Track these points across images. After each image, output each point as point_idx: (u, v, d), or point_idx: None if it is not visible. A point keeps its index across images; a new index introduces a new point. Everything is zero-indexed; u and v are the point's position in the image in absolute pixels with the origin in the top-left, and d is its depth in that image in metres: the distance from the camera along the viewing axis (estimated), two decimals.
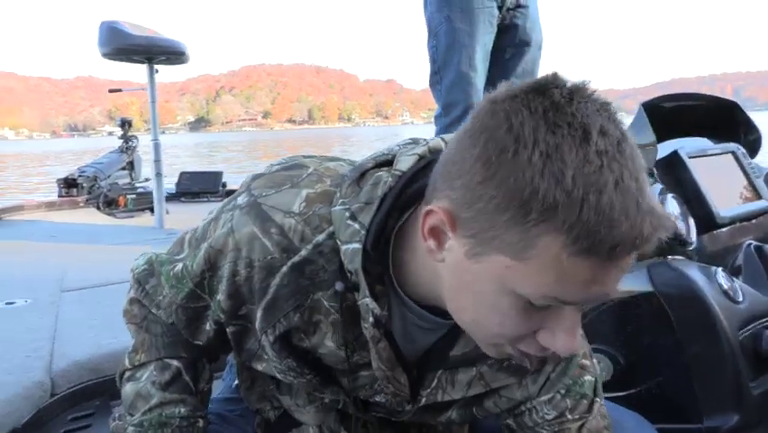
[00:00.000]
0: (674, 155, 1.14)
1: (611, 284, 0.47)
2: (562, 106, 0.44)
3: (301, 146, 35.07)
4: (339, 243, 0.56)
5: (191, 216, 2.73)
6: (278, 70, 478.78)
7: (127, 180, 4.12)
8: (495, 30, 1.91)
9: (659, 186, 1.12)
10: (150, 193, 3.45)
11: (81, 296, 1.81)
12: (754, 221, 1.23)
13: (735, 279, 1.06)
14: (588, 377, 0.68)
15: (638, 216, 0.43)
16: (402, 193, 0.56)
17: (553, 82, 0.46)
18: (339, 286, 0.58)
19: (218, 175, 4.11)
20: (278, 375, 0.67)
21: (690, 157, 1.16)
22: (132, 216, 3.39)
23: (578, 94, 0.46)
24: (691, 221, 1.10)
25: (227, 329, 0.65)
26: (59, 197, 3.75)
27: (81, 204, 3.69)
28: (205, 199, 3.81)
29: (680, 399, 1.00)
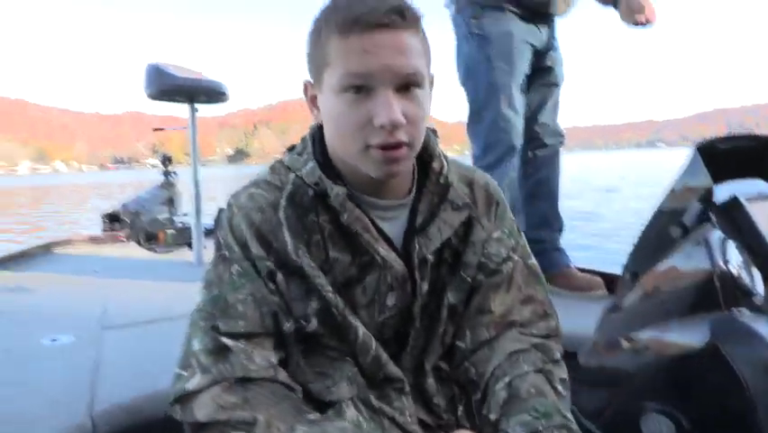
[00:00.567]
0: (733, 201, 1.07)
1: (383, 55, 0.66)
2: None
3: None
4: (297, 173, 0.76)
5: None
6: None
7: (167, 215, 4.21)
8: (529, 72, 1.88)
9: (718, 234, 1.05)
10: (189, 228, 3.51)
11: (122, 334, 1.83)
12: None
13: None
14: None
15: (360, 5, 0.66)
16: (321, 127, 0.78)
17: None
18: (311, 192, 0.75)
19: None
20: (312, 320, 0.75)
21: (749, 201, 1.09)
22: (170, 251, 3.44)
23: None
24: (755, 270, 1.02)
25: (280, 282, 0.74)
26: (102, 231, 3.86)
27: (123, 238, 3.78)
28: None
29: None
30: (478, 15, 1.81)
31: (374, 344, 0.78)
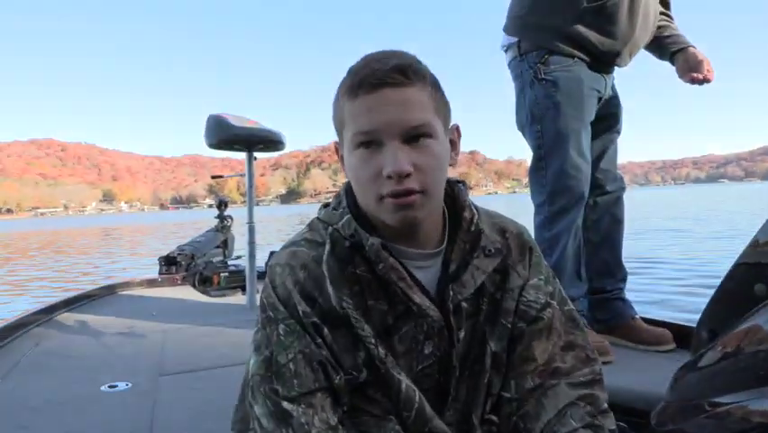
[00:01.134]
0: None
1: (388, 112, 0.72)
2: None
3: None
4: (334, 226, 0.80)
5: None
6: None
7: (221, 258, 4.31)
8: (593, 119, 1.84)
9: None
10: (242, 271, 3.56)
11: (177, 381, 1.84)
12: None
13: None
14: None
15: (367, 68, 0.73)
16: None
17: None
18: (347, 243, 0.78)
19: None
20: (363, 370, 0.77)
21: None
22: (224, 295, 3.50)
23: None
24: None
25: (327, 336, 0.76)
26: (159, 274, 3.98)
27: (179, 281, 3.89)
28: None
29: None
30: (545, 61, 1.78)
31: (418, 397, 0.78)
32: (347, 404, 0.78)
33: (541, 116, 1.80)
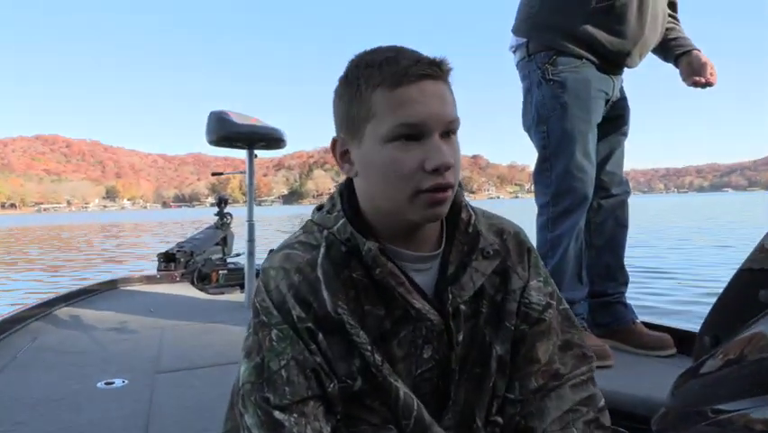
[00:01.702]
0: None
1: (431, 104, 0.70)
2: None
3: None
4: (329, 230, 0.77)
5: None
6: None
7: (220, 256, 4.30)
8: (600, 121, 1.83)
9: None
10: (241, 269, 3.56)
11: (174, 378, 1.83)
12: None
13: None
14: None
15: (404, 59, 0.71)
16: (349, 183, 0.81)
17: None
18: (343, 248, 0.76)
19: None
20: (358, 378, 0.75)
21: None
22: (222, 293, 3.49)
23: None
24: None
25: (321, 342, 0.74)
26: (158, 270, 3.97)
27: (177, 278, 3.88)
28: None
29: None
30: (553, 61, 1.77)
31: (416, 405, 0.76)
32: (341, 413, 0.76)
33: (547, 117, 1.79)
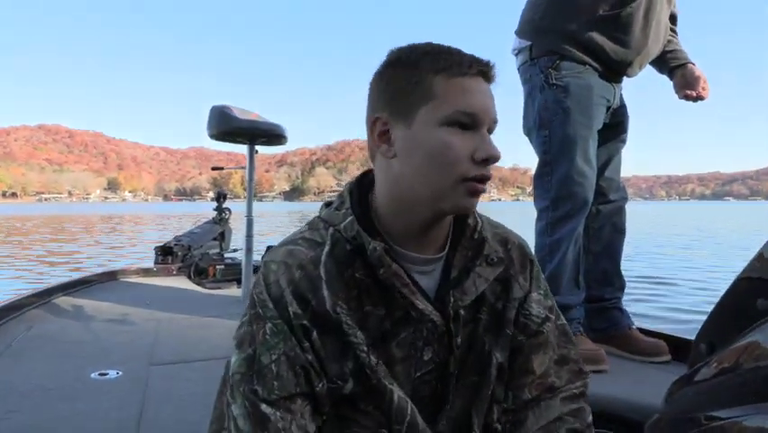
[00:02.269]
0: None
1: (486, 100, 0.73)
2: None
3: None
4: (336, 227, 0.77)
5: None
6: None
7: (217, 250, 4.29)
8: (600, 127, 1.83)
9: None
10: (238, 264, 3.55)
11: (168, 371, 1.83)
12: None
13: None
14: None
15: (464, 54, 0.74)
16: (359, 181, 0.82)
17: None
18: (349, 246, 0.76)
19: None
20: (349, 380, 0.74)
21: None
22: (219, 287, 3.49)
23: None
24: None
25: (315, 340, 0.73)
26: (155, 263, 3.97)
27: (174, 272, 3.87)
28: None
29: None
30: (557, 66, 1.77)
31: (410, 409, 0.76)
32: (330, 414, 0.76)
33: (549, 121, 1.78)
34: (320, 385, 0.74)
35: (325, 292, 0.74)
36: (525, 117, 1.91)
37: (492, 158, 0.73)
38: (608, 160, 1.93)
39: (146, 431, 1.37)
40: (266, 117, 2.97)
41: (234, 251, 4.34)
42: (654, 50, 1.83)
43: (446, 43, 0.76)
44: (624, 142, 1.97)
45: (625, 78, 1.89)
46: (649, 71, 1.95)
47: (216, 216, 4.52)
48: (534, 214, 1.88)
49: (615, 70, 1.81)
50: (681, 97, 1.86)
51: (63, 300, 2.97)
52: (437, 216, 0.76)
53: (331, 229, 0.78)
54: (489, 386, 0.83)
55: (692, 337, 1.18)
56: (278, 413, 0.71)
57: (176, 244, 3.99)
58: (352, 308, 0.75)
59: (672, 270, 8.17)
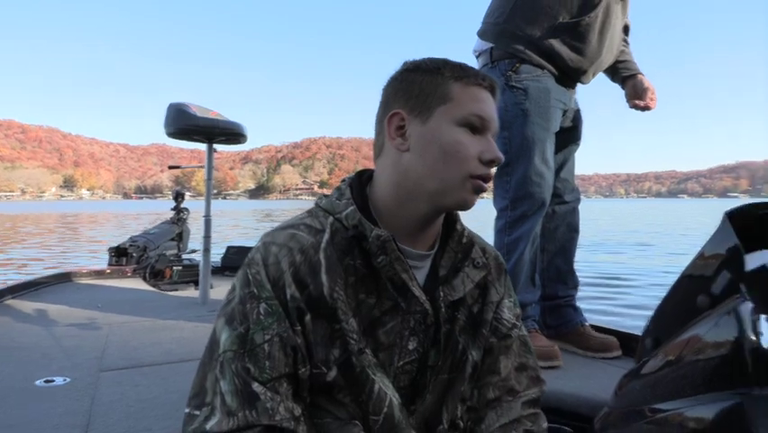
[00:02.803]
0: (765, 270, 0.99)
1: (492, 110, 0.81)
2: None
3: None
4: (336, 216, 0.81)
5: None
6: (337, 143, 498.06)
7: (174, 251, 4.19)
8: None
9: (749, 304, 0.97)
10: (196, 266, 3.48)
11: (119, 377, 1.77)
12: None
13: None
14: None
15: (476, 70, 0.82)
16: (359, 177, 0.87)
17: None
18: (349, 233, 0.79)
19: None
20: (333, 368, 0.76)
21: None
22: (176, 289, 3.40)
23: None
24: None
25: (307, 323, 0.75)
26: (108, 265, 3.84)
27: (129, 273, 3.76)
28: None
29: None
30: (516, 69, 1.80)
31: (389, 401, 0.79)
32: (307, 399, 0.77)
33: (509, 123, 1.81)
34: (303, 369, 0.75)
35: (324, 278, 0.76)
36: None
37: (497, 160, 0.80)
38: (563, 162, 1.97)
39: None
40: (226, 116, 2.92)
41: (192, 252, 4.25)
42: (608, 59, 1.90)
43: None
44: (578, 145, 2.02)
45: (579, 84, 1.93)
46: (603, 76, 2.01)
47: (174, 217, 4.41)
48: (494, 212, 1.91)
49: (570, 77, 1.86)
50: (630, 107, 1.95)
51: (11, 304, 2.85)
52: (437, 212, 0.82)
53: (330, 218, 0.81)
54: (462, 382, 0.88)
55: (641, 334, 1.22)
56: (268, 393, 0.72)
57: (131, 245, 3.87)
58: (349, 295, 0.78)
59: (630, 268, 8.44)
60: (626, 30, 1.98)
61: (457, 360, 0.87)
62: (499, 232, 1.85)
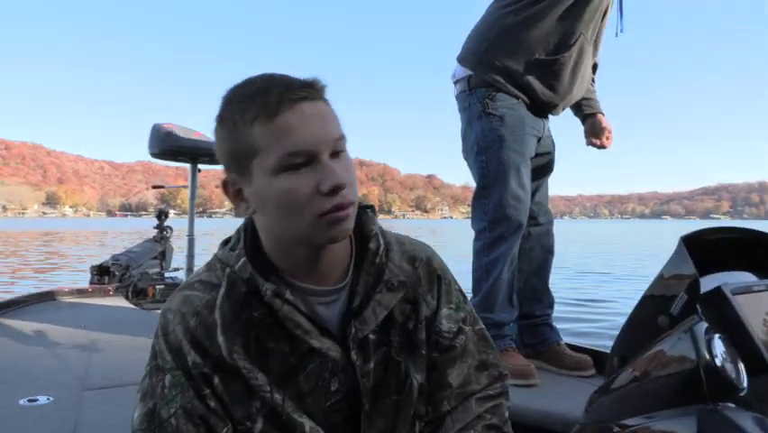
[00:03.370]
0: (718, 291, 1.05)
1: (313, 126, 0.69)
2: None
3: None
4: (231, 268, 0.76)
5: None
6: None
7: (157, 270, 4.16)
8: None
9: (704, 324, 1.03)
10: (178, 284, 3.45)
11: (102, 396, 1.77)
12: None
13: None
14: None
15: (275, 87, 0.70)
16: (252, 219, 0.79)
17: None
18: (243, 288, 0.76)
19: None
20: (258, 420, 0.75)
21: (734, 294, 1.07)
22: (158, 308, 3.39)
23: None
24: (741, 364, 0.99)
25: (218, 385, 0.74)
26: (90, 283, 3.80)
27: (111, 292, 3.73)
28: None
29: None
30: (493, 97, 1.88)
31: None
32: None
33: (486, 148, 1.88)
34: (224, 430, 0.74)
35: (221, 340, 0.74)
36: (464, 142, 2.00)
37: (339, 185, 0.69)
38: (537, 187, 2.04)
39: None
40: (211, 137, 2.95)
41: (176, 270, 4.24)
42: (578, 96, 2.02)
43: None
44: (551, 170, 2.10)
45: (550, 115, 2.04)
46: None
47: (157, 235, 4.39)
48: None
49: (542, 108, 1.96)
50: (587, 144, 2.09)
51: None
52: (318, 250, 0.75)
53: (227, 270, 0.77)
54: (410, 405, 0.84)
55: None
56: None
57: (113, 264, 3.84)
58: (252, 350, 0.75)
59: (615, 290, 8.51)
60: (594, 68, 2.08)
61: (401, 381, 0.82)
62: (478, 253, 1.91)
